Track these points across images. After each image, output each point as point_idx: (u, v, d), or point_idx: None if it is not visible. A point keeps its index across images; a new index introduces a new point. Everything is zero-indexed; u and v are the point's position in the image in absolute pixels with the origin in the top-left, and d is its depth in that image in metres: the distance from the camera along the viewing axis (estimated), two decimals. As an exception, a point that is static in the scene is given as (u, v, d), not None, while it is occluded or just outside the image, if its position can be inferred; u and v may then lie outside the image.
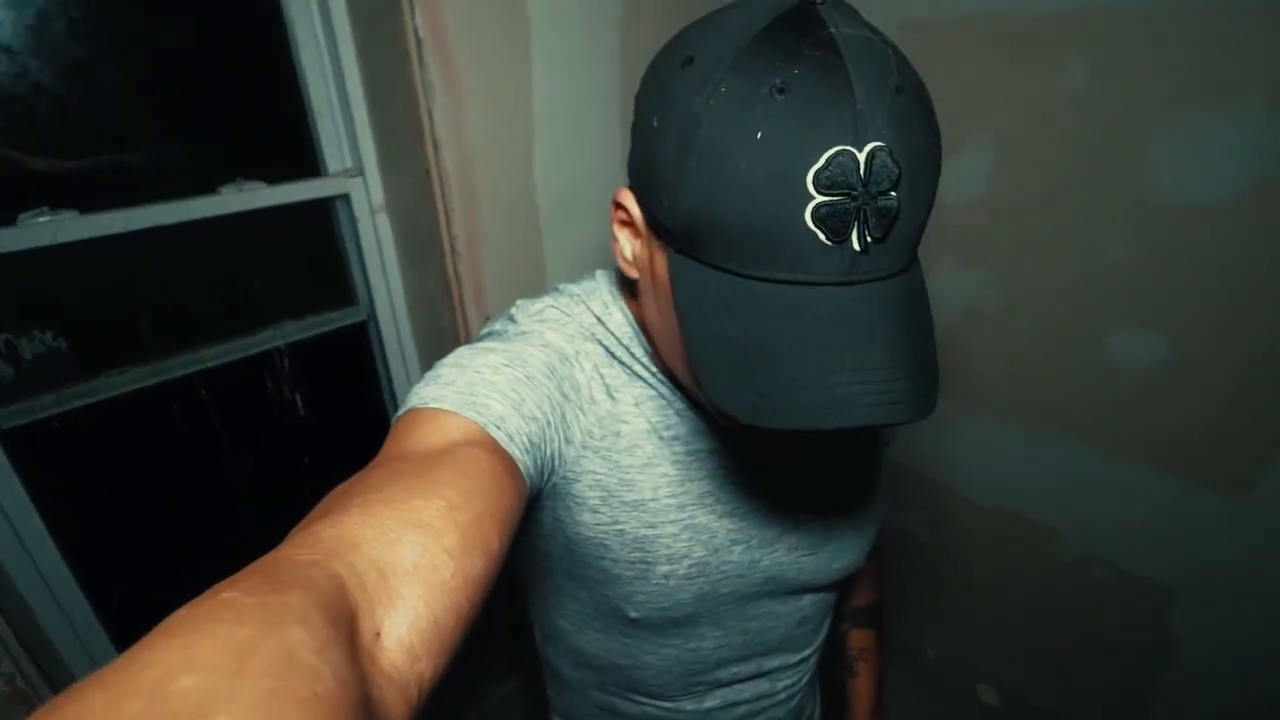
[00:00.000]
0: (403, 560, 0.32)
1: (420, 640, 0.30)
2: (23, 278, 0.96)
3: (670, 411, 0.58)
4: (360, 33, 1.11)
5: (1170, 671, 1.45)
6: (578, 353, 0.57)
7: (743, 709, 0.71)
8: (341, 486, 0.38)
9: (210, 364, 1.16)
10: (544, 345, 0.55)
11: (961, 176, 1.45)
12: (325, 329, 1.29)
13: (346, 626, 0.26)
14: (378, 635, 0.29)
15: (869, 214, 0.38)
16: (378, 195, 1.24)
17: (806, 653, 0.73)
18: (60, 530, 1.02)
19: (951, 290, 1.58)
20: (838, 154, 0.37)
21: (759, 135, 0.37)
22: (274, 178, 1.14)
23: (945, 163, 1.50)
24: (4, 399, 0.97)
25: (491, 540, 0.37)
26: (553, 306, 0.59)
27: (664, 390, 0.58)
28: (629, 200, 0.49)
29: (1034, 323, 1.45)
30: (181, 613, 0.23)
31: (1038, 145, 1.31)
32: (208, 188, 1.07)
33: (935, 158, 0.42)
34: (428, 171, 1.11)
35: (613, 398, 0.57)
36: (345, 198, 1.21)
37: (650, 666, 0.65)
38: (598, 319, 0.59)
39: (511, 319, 0.59)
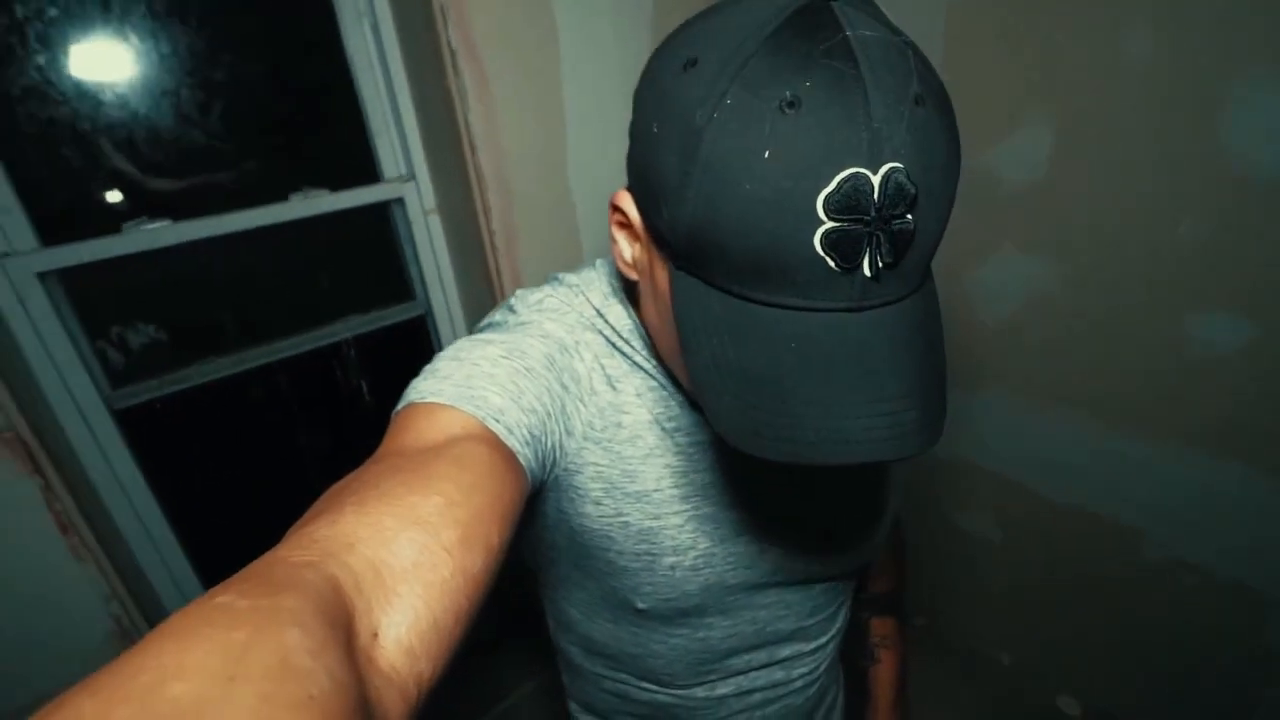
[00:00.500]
0: (400, 559, 0.31)
1: (419, 640, 0.30)
2: (129, 278, 1.12)
3: (673, 403, 0.57)
4: (406, 49, 1.21)
5: (1272, 687, 1.31)
6: (577, 343, 0.56)
7: (757, 696, 0.70)
8: (339, 484, 0.37)
9: (285, 354, 1.30)
10: (543, 336, 0.54)
11: (1019, 158, 1.37)
12: (387, 323, 1.41)
13: (343, 628, 0.26)
14: (375, 636, 0.29)
15: (881, 239, 0.36)
16: (429, 198, 1.34)
17: (822, 640, 0.71)
18: (162, 494, 1.19)
19: (1012, 278, 1.49)
20: (850, 177, 0.34)
21: (766, 154, 0.35)
22: (338, 185, 1.26)
23: (1002, 144, 1.44)
24: (116, 383, 1.15)
25: (492, 535, 0.37)
26: (552, 296, 0.58)
27: (665, 382, 0.57)
28: (627, 204, 0.47)
29: (1102, 310, 1.35)
30: (174, 618, 0.23)
31: (1100, 121, 1.22)
32: (280, 196, 1.21)
33: (954, 171, 0.39)
34: (467, 173, 1.19)
35: (614, 388, 0.56)
36: (400, 201, 1.33)
37: (660, 655, 0.65)
38: (597, 311, 0.58)
39: (511, 309, 0.59)
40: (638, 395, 0.56)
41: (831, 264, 0.36)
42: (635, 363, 0.57)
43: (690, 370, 0.42)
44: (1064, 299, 1.40)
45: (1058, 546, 1.65)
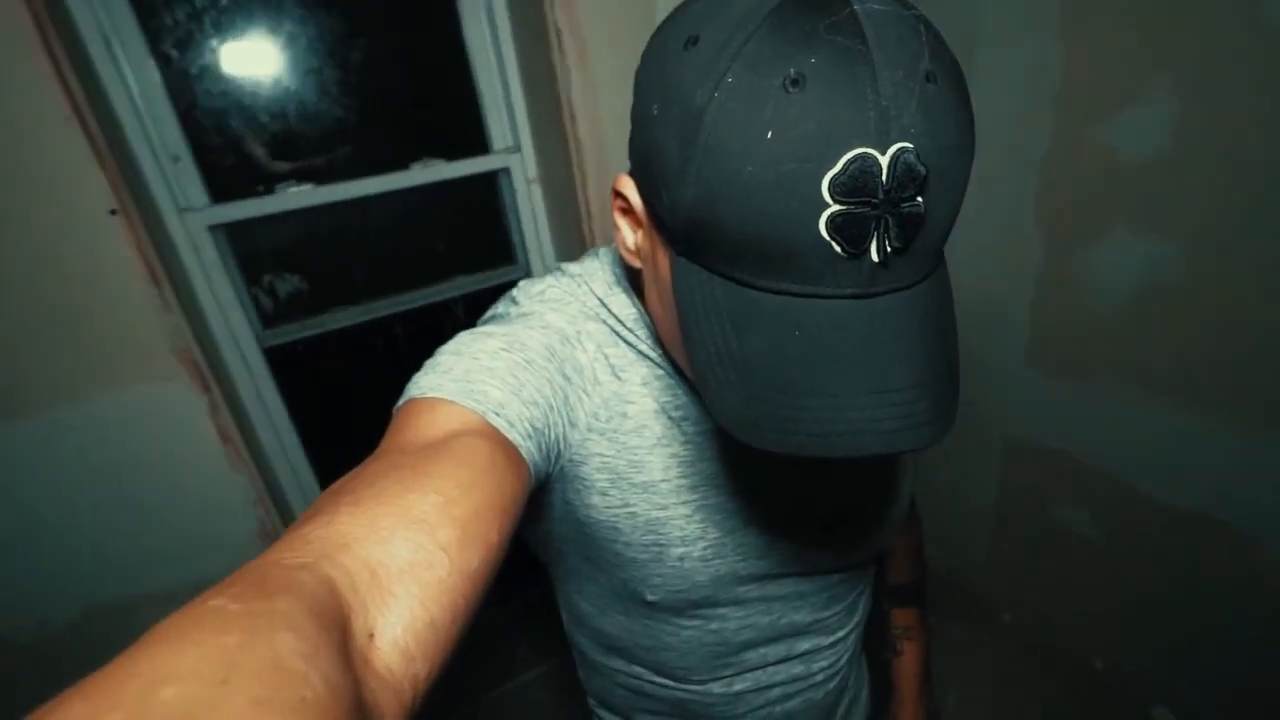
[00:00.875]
0: (396, 558, 0.31)
1: (415, 641, 0.30)
2: (280, 234, 1.31)
3: (679, 390, 0.56)
4: (517, 29, 1.31)
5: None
6: (579, 333, 0.55)
7: (776, 692, 0.68)
8: (338, 482, 0.37)
9: (403, 308, 1.46)
10: (544, 327, 0.53)
11: (1138, 131, 1.28)
12: (490, 284, 1.54)
13: (339, 630, 0.26)
14: (371, 637, 0.29)
15: (890, 223, 0.34)
16: (532, 168, 1.45)
17: (842, 633, 0.70)
18: (299, 420, 1.39)
19: (1125, 262, 1.41)
20: (857, 157, 0.33)
21: (769, 135, 0.33)
22: (452, 156, 1.40)
23: (1119, 117, 1.37)
24: (267, 325, 1.34)
25: (490, 533, 0.36)
26: (554, 287, 0.58)
27: (671, 370, 0.56)
28: (629, 189, 0.46)
29: (1225, 297, 1.25)
30: (167, 622, 0.23)
31: (1229, 89, 1.13)
32: (402, 165, 1.35)
33: (968, 151, 0.37)
34: (566, 144, 1.28)
35: (618, 378, 0.55)
36: (506, 171, 1.44)
37: (673, 649, 0.64)
38: (600, 301, 0.57)
39: (513, 300, 0.58)
40: (643, 384, 0.55)
41: (837, 249, 0.35)
42: (640, 351, 0.56)
43: (691, 359, 0.41)
44: (1183, 285, 1.31)
45: (1163, 550, 1.56)
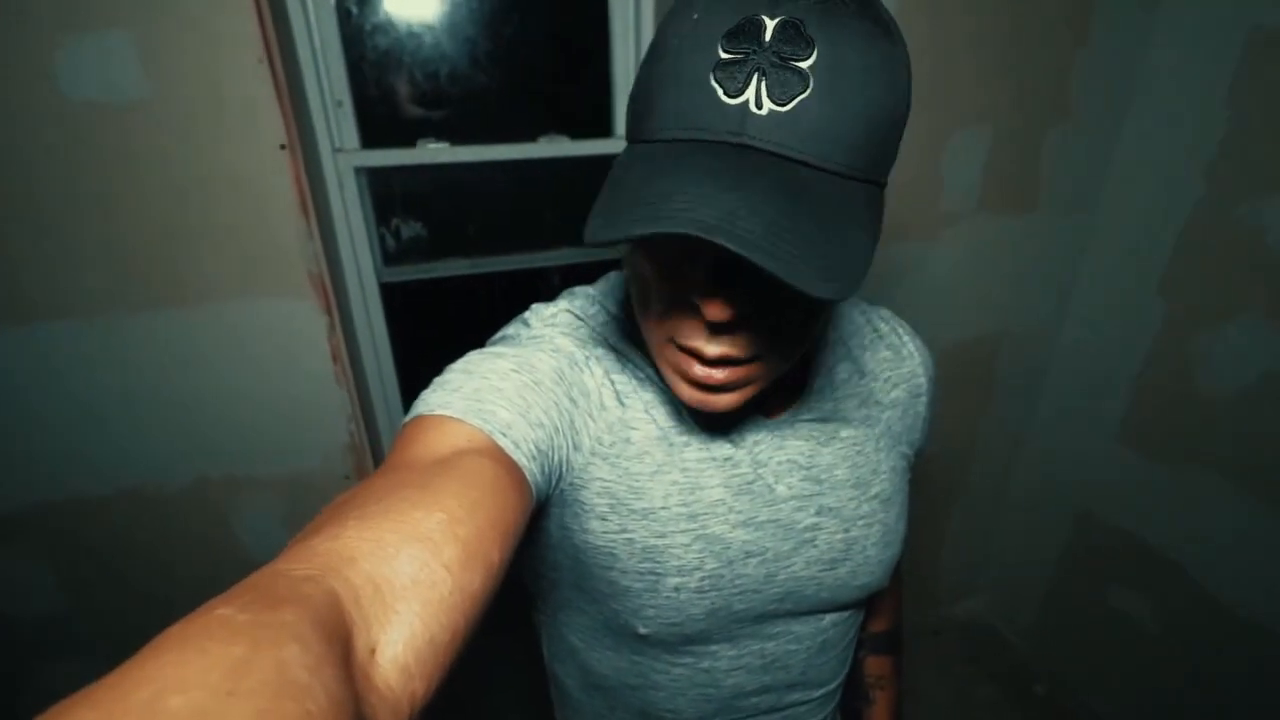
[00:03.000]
0: (400, 575, 0.32)
1: (415, 658, 0.30)
2: (411, 183, 1.43)
3: (683, 415, 0.57)
4: (659, 19, 1.36)
5: None
6: (588, 358, 0.56)
7: None
8: (344, 494, 0.38)
9: (507, 268, 1.57)
10: (554, 350, 0.55)
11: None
12: (588, 260, 1.63)
13: (341, 644, 0.27)
14: (373, 652, 0.29)
15: (768, 71, 0.38)
16: (649, 157, 1.51)
17: (830, 687, 0.70)
18: (398, 352, 1.53)
19: (1252, 351, 1.32)
20: (749, 18, 0.38)
21: (695, 16, 0.40)
22: (577, 134, 1.47)
23: (1277, 200, 1.28)
24: (387, 262, 1.48)
25: (492, 554, 0.37)
26: (567, 310, 0.59)
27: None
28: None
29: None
30: (175, 629, 0.24)
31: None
32: (530, 137, 1.45)
33: (883, 70, 0.40)
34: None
35: (622, 403, 0.56)
36: (624, 156, 1.51)
37: (662, 688, 0.63)
38: (612, 318, 0.59)
39: (525, 323, 0.59)
40: (647, 410, 0.56)
41: (720, 94, 0.39)
42: (647, 375, 0.57)
43: (590, 216, 0.43)
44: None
45: (1222, 655, 1.47)
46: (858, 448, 0.64)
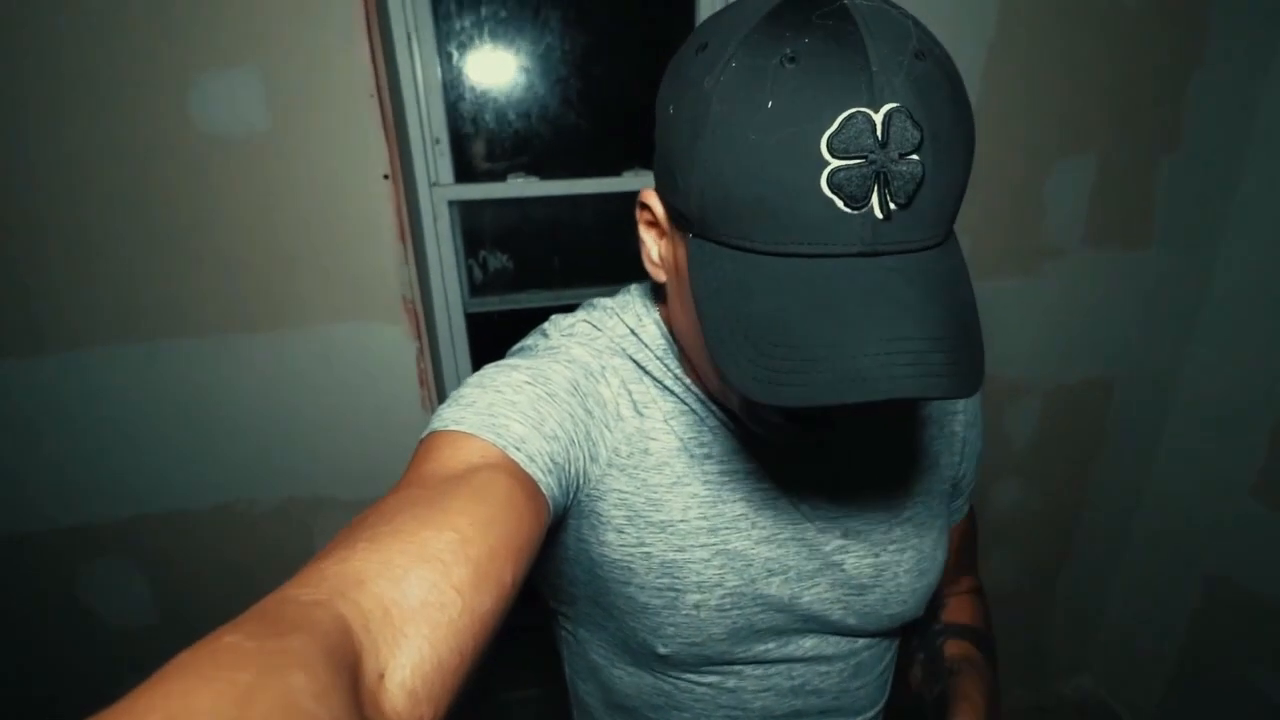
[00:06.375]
0: (409, 597, 0.31)
1: (423, 683, 0.30)
2: (499, 216, 1.48)
3: (704, 428, 0.55)
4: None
5: None
6: (604, 368, 0.55)
7: None
8: (360, 515, 0.38)
9: (588, 299, 1.58)
10: (569, 361, 0.54)
11: None
12: (670, 293, 1.62)
13: (350, 670, 0.27)
14: (381, 678, 0.29)
15: (889, 177, 0.36)
16: (732, 191, 1.50)
17: (868, 715, 0.66)
18: (476, 369, 1.55)
19: None
20: (853, 115, 0.35)
21: (769, 105, 0.36)
22: (661, 169, 1.50)
23: None
24: (474, 293, 1.52)
25: (505, 574, 0.37)
26: (585, 321, 0.58)
27: (697, 406, 0.55)
28: (652, 199, 0.48)
29: None
30: (183, 656, 0.24)
31: None
32: (614, 171, 1.48)
33: (965, 125, 0.39)
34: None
35: (640, 413, 0.55)
36: (707, 190, 1.51)
37: (686, 708, 0.60)
38: (631, 331, 0.57)
39: (543, 334, 0.59)
40: (666, 420, 0.55)
41: (840, 204, 0.36)
42: (666, 386, 0.56)
43: (706, 334, 0.41)
44: None
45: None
46: (889, 468, 0.61)
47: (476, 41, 1.33)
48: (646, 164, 1.49)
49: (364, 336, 1.24)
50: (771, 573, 0.56)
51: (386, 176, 1.13)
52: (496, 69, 1.37)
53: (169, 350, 1.17)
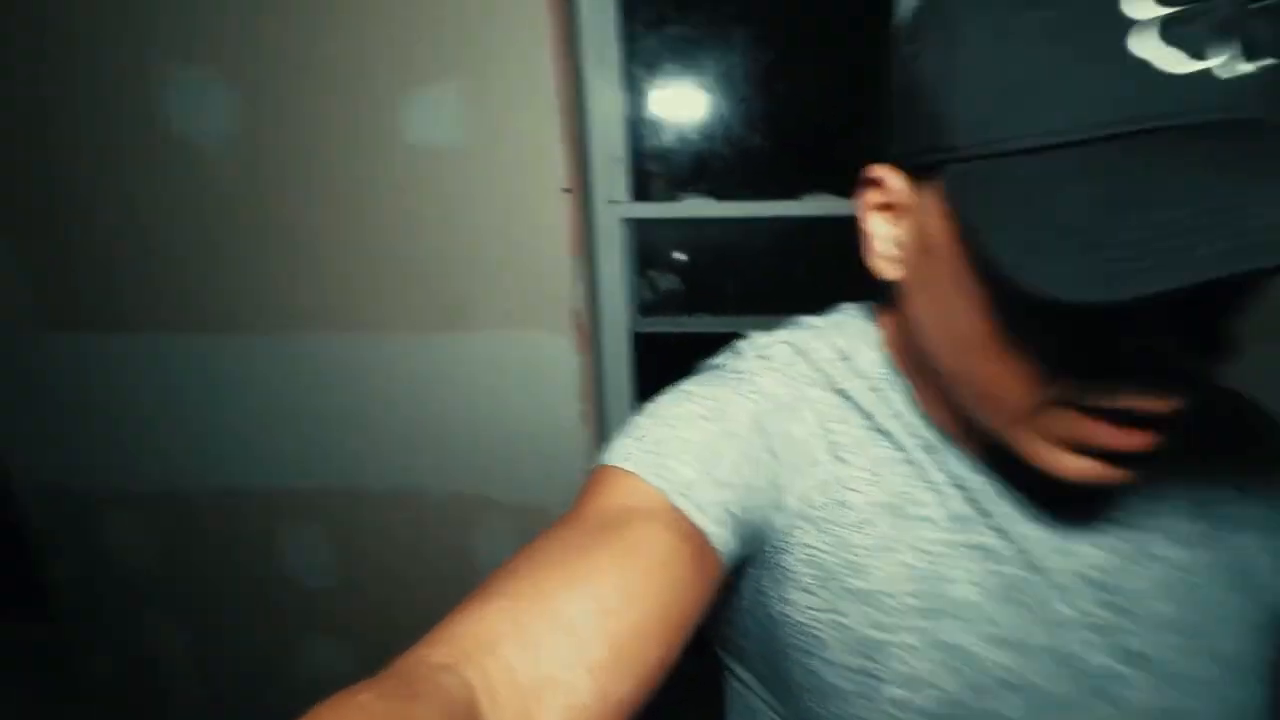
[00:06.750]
0: (539, 670, 0.31)
1: None
2: (672, 237, 1.47)
3: (924, 484, 0.45)
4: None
5: None
6: (799, 401, 0.47)
7: None
8: (522, 550, 0.37)
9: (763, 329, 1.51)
10: (754, 392, 0.47)
11: None
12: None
13: None
14: None
15: (1240, 14, 0.28)
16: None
17: None
18: (641, 402, 1.54)
19: None
20: None
21: None
22: (845, 192, 1.40)
23: None
24: (645, 312, 1.52)
25: (650, 654, 0.34)
26: (785, 343, 0.51)
27: (919, 454, 0.46)
28: (885, 171, 0.41)
29: None
30: (321, 709, 0.26)
31: None
32: (792, 194, 1.41)
33: None
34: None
35: (840, 459, 0.46)
36: (897, 214, 1.39)
37: None
38: (841, 355, 0.49)
39: (737, 353, 0.52)
40: (873, 469, 0.46)
41: (1168, 63, 0.28)
42: (880, 428, 0.46)
43: (998, 260, 0.32)
44: None
45: None
46: (1186, 575, 0.45)
47: (662, 63, 1.35)
48: (828, 188, 1.40)
49: (530, 344, 1.29)
50: (1008, 686, 0.43)
51: (567, 190, 1.17)
52: (679, 87, 1.38)
53: (356, 343, 1.30)
